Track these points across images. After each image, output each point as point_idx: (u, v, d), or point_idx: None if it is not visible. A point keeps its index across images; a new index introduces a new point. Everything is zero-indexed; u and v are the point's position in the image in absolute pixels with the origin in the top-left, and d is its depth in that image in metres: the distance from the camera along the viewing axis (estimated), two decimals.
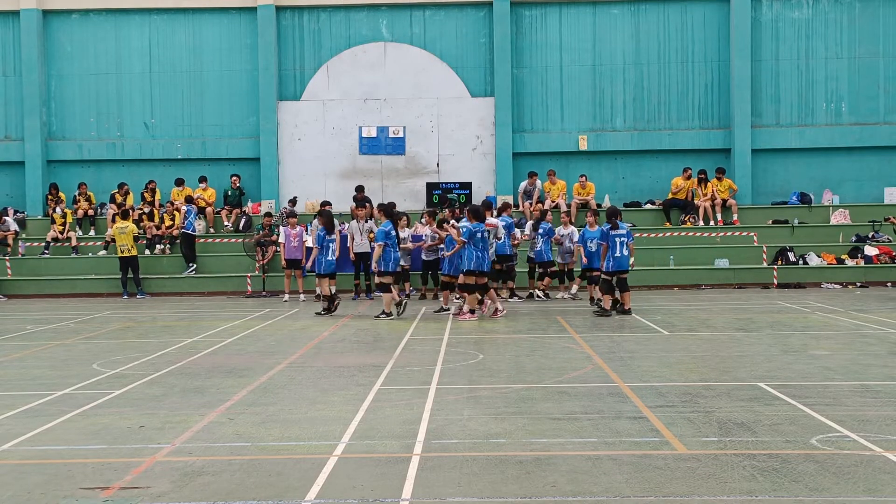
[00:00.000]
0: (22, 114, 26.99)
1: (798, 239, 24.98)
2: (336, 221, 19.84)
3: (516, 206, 25.45)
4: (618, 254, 17.41)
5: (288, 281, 22.21)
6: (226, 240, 25.41)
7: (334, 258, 18.46)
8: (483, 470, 6.87)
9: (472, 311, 17.08)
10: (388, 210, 18.15)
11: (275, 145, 26.70)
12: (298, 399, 9.66)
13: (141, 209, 25.42)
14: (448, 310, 18.16)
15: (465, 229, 17.19)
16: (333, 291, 18.33)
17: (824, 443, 7.54)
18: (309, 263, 17.19)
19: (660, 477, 6.65)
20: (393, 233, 17.55)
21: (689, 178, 25.69)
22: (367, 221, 21.65)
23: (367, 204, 22.43)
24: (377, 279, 18.03)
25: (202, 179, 26.05)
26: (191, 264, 24.34)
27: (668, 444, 7.59)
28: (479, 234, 17.03)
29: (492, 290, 17.69)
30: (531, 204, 25.39)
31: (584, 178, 25.74)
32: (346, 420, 8.57)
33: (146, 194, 25.74)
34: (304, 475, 6.80)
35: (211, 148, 27.10)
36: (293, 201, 25.39)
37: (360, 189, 24.29)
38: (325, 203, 22.18)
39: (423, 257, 21.97)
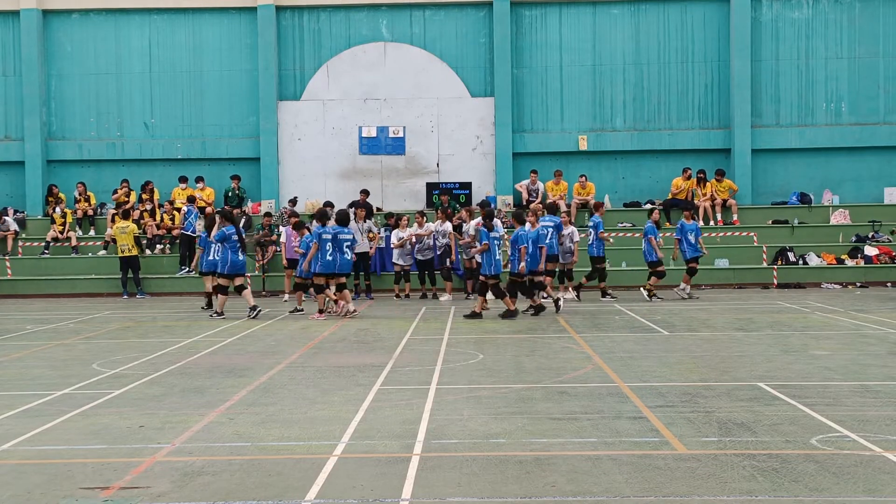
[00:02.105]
0: (22, 114, 26.98)
1: (798, 239, 24.97)
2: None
3: (517, 205, 25.45)
4: (498, 256, 17.33)
5: (288, 281, 22.20)
6: None
7: (216, 258, 18.47)
8: (483, 470, 6.87)
9: (320, 311, 17.84)
10: (228, 214, 18.59)
11: (275, 145, 26.70)
12: (298, 399, 9.66)
13: (142, 208, 25.40)
14: (301, 310, 18.54)
15: (314, 232, 17.79)
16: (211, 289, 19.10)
17: (824, 443, 7.54)
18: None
19: (660, 477, 6.65)
20: (235, 236, 17.99)
21: (688, 178, 25.69)
22: (365, 222, 21.68)
23: (362, 208, 22.40)
24: (216, 280, 18.52)
25: (199, 179, 25.99)
26: (183, 267, 24.32)
27: (668, 444, 7.59)
28: (327, 237, 17.52)
29: (345, 291, 18.04)
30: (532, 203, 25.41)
31: (583, 178, 25.73)
32: (346, 420, 8.57)
33: (144, 195, 25.69)
34: (304, 475, 6.81)
35: (211, 148, 27.10)
36: (293, 201, 25.39)
37: (364, 192, 24.15)
38: (328, 203, 22.10)
39: (419, 257, 22.00)
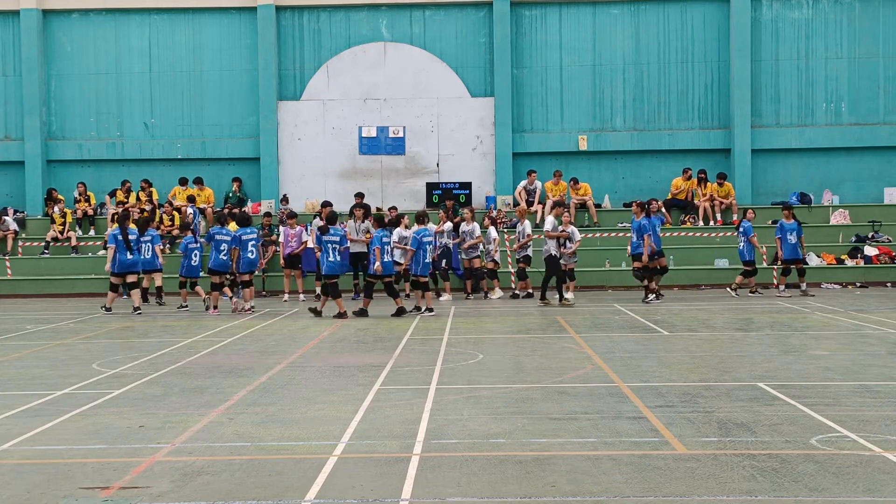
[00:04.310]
0: (22, 114, 26.97)
1: None
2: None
3: (517, 205, 25.45)
4: (331, 258, 17.69)
5: (287, 281, 22.21)
6: None
7: (138, 257, 19.30)
8: (483, 470, 6.87)
9: (214, 307, 19.09)
10: (114, 217, 19.77)
11: (275, 145, 26.69)
12: (298, 399, 9.67)
13: (142, 207, 25.37)
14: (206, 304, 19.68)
15: (209, 233, 19.45)
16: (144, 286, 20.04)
17: (824, 443, 7.55)
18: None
19: (660, 477, 6.65)
20: (120, 237, 18.83)
21: (688, 178, 25.69)
22: (363, 222, 21.66)
23: (361, 209, 22.33)
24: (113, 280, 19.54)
25: (197, 181, 25.89)
26: None
27: (667, 444, 7.59)
28: (217, 237, 18.98)
29: (248, 290, 19.36)
30: (531, 203, 25.42)
31: (574, 180, 25.53)
32: (346, 420, 8.57)
33: (142, 194, 25.63)
34: (304, 475, 6.81)
35: (211, 148, 27.09)
36: (285, 199, 25.47)
37: (359, 196, 24.16)
38: (326, 203, 22.09)
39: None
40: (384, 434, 8.02)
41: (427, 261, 18.60)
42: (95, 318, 18.63)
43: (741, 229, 21.07)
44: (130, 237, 19.04)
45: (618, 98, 26.83)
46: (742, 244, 21.09)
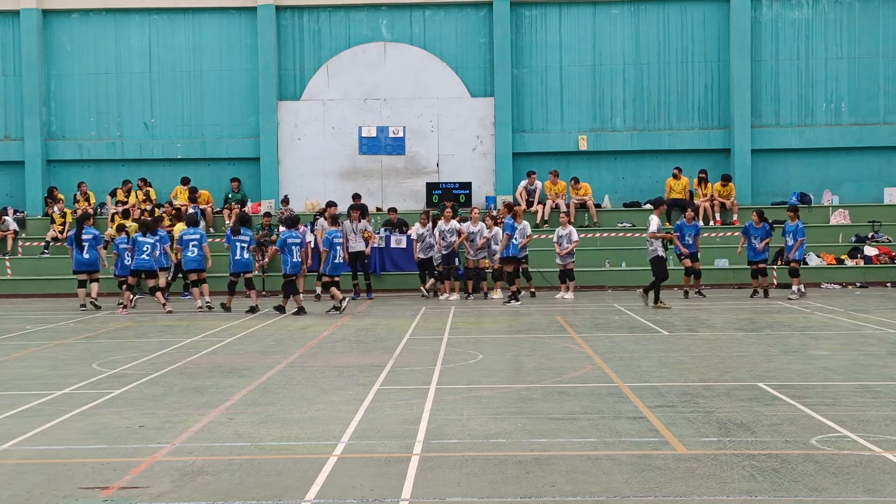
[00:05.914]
0: (22, 114, 26.96)
1: None
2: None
3: (517, 205, 25.42)
4: (238, 256, 19.08)
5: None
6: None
7: (86, 256, 20.36)
8: (483, 470, 6.87)
9: (124, 306, 19.66)
10: (79, 217, 20.92)
11: (275, 145, 26.69)
12: (298, 399, 9.67)
13: (143, 207, 25.36)
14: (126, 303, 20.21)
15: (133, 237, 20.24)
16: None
17: (824, 443, 7.55)
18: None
19: (659, 477, 6.65)
20: (74, 239, 20.28)
21: (675, 177, 25.54)
22: (359, 222, 21.68)
23: (357, 209, 22.22)
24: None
25: (194, 190, 25.77)
26: None
27: (667, 444, 7.59)
28: (139, 240, 19.62)
29: (204, 286, 20.00)
30: (531, 204, 25.40)
31: (574, 180, 25.55)
32: (346, 420, 8.58)
33: (139, 193, 25.58)
34: (304, 475, 6.81)
35: (211, 148, 27.09)
36: (285, 199, 25.45)
37: (356, 197, 24.16)
38: (330, 203, 22.06)
39: (421, 256, 21.96)
40: (384, 434, 8.02)
41: (337, 261, 18.92)
42: (95, 318, 18.64)
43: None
44: (87, 237, 20.20)
45: (618, 98, 26.83)
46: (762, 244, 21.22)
